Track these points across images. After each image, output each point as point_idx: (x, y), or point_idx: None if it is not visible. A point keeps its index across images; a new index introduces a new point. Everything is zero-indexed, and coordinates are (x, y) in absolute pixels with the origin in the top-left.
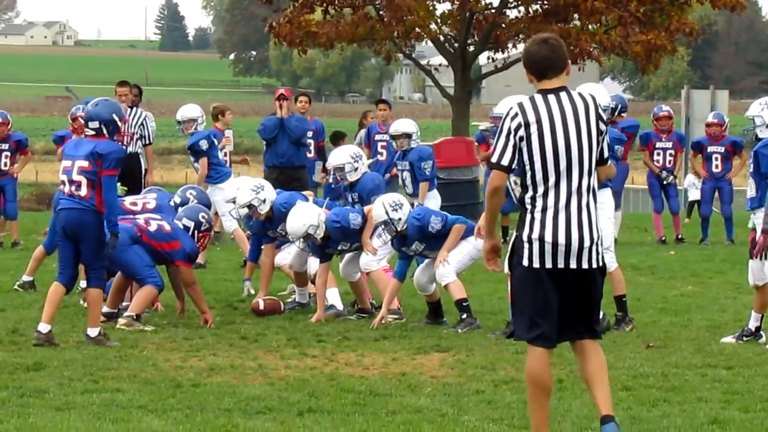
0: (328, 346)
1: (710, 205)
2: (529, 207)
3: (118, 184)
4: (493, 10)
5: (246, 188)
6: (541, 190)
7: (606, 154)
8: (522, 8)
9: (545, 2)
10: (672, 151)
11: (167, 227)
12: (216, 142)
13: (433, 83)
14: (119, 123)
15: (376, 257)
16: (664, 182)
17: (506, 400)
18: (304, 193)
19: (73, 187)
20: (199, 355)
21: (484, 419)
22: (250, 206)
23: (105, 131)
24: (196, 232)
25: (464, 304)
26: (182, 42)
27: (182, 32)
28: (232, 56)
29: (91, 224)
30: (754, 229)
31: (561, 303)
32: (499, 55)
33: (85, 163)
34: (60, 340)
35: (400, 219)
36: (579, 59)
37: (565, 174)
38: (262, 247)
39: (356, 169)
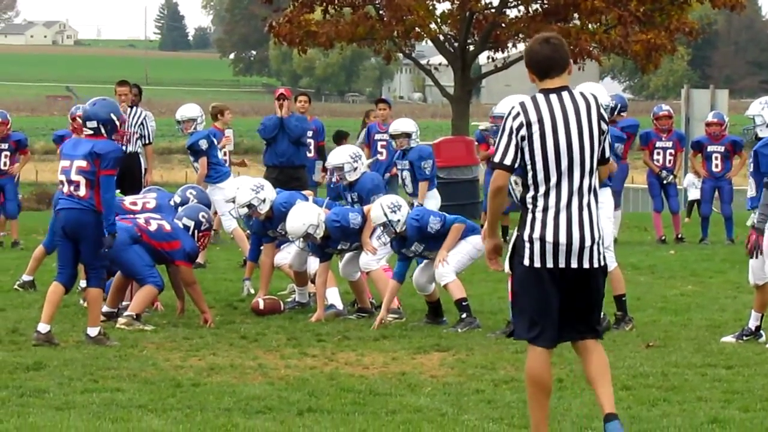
0: (327, 345)
1: (710, 204)
2: (530, 206)
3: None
4: (492, 10)
5: (246, 188)
6: (542, 189)
7: (607, 153)
8: (522, 8)
9: (545, 2)
10: (672, 151)
11: (167, 227)
12: (215, 142)
13: (433, 83)
14: (117, 122)
15: (376, 257)
16: (664, 182)
17: (506, 399)
18: (303, 192)
19: (71, 187)
20: (198, 355)
21: (484, 418)
22: (249, 206)
23: (103, 131)
24: (196, 231)
25: (464, 303)
26: (182, 41)
27: (182, 32)
28: (231, 56)
29: (91, 224)
30: (753, 227)
31: (562, 303)
32: (499, 55)
33: (83, 163)
34: (60, 340)
35: (398, 220)
36: (579, 59)
37: (567, 174)
38: (262, 246)
39: (355, 169)
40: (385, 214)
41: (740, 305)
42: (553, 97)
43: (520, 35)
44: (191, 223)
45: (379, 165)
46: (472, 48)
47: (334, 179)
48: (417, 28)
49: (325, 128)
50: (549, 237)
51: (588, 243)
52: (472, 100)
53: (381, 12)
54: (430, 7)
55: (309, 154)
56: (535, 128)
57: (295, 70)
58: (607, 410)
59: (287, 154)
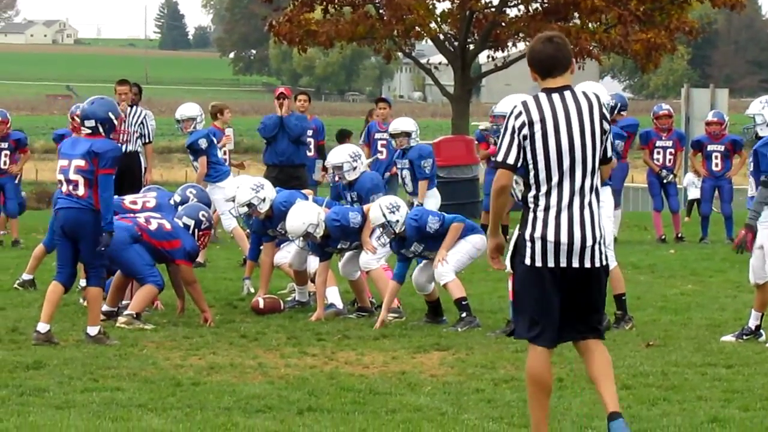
0: (327, 344)
1: (710, 203)
2: (531, 206)
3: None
4: (493, 9)
5: (246, 187)
6: (544, 189)
7: (609, 153)
8: (522, 7)
9: (545, 1)
10: (672, 150)
11: (168, 226)
12: (215, 141)
13: (433, 82)
14: (115, 121)
15: (376, 256)
16: (664, 181)
17: (506, 398)
18: (303, 191)
19: (70, 187)
20: (198, 354)
21: (484, 418)
22: (249, 205)
23: (101, 130)
24: (196, 230)
25: (463, 302)
26: (182, 40)
27: (182, 31)
28: (231, 55)
29: (90, 223)
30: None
31: (564, 303)
32: (499, 54)
33: (81, 162)
34: (60, 339)
35: (397, 221)
36: (579, 58)
37: (569, 173)
38: (262, 245)
39: (355, 168)
40: (384, 215)
41: (740, 304)
42: (556, 96)
43: (520, 34)
44: (191, 222)
45: (379, 164)
46: (472, 47)
47: (334, 178)
48: (417, 27)
49: (326, 127)
50: (550, 236)
51: (589, 242)
52: (472, 99)
53: (381, 11)
54: (430, 6)
55: (309, 153)
56: (537, 127)
57: (295, 69)
58: (611, 409)
59: (287, 153)
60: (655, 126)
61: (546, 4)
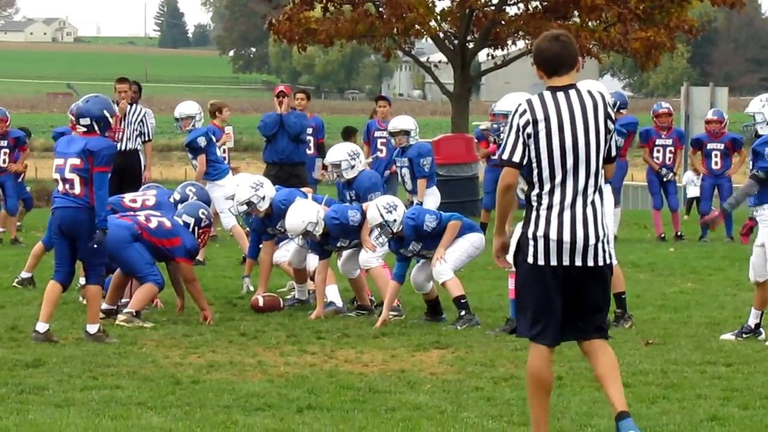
0: (327, 343)
1: (710, 202)
2: (534, 204)
3: None
4: (492, 7)
5: (245, 185)
6: (547, 187)
7: (614, 152)
8: (521, 5)
9: None
10: (672, 148)
11: (168, 224)
12: (214, 139)
13: (433, 80)
14: (110, 119)
15: (375, 254)
16: (664, 179)
17: (505, 397)
18: (303, 189)
19: (67, 186)
20: (198, 352)
21: (484, 416)
22: (249, 203)
23: (96, 128)
24: (196, 228)
25: (462, 301)
26: (182, 39)
27: (182, 29)
28: (231, 53)
29: (86, 222)
30: (751, 218)
31: (567, 301)
32: (499, 52)
33: (77, 161)
34: (59, 337)
35: (395, 220)
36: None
37: (572, 172)
38: (261, 244)
39: (353, 167)
40: (381, 215)
41: (740, 303)
42: (560, 95)
43: (520, 33)
44: (191, 220)
45: (378, 162)
46: (471, 45)
47: (333, 177)
48: (417, 26)
49: (326, 125)
50: (553, 235)
51: (592, 241)
52: (472, 97)
53: (381, 9)
54: (430, 5)
55: (309, 152)
56: (542, 126)
57: (295, 68)
58: (620, 408)
59: (287, 151)
60: (654, 124)
61: (546, 3)
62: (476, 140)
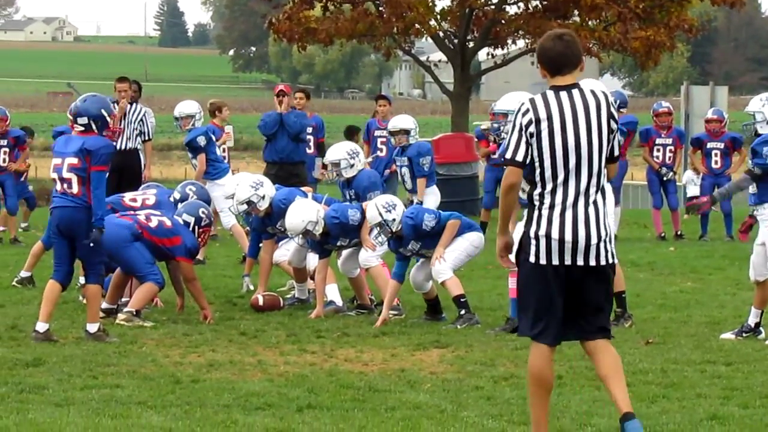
0: (327, 342)
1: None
2: (536, 203)
3: None
4: (492, 6)
5: (245, 184)
6: (549, 187)
7: (616, 152)
8: (521, 4)
9: None
10: (672, 148)
11: (168, 223)
12: (213, 139)
13: (433, 79)
14: (108, 118)
15: (375, 253)
16: (664, 178)
17: (505, 396)
18: (303, 189)
19: (65, 185)
20: (198, 351)
21: (484, 415)
22: (249, 202)
23: (94, 127)
24: (196, 227)
25: (462, 300)
26: (182, 38)
27: (182, 28)
28: (231, 52)
29: (85, 221)
30: (751, 216)
31: (569, 301)
32: (499, 52)
33: (74, 160)
34: (59, 336)
35: (394, 219)
36: None
37: (574, 171)
38: (261, 243)
39: (352, 166)
40: (380, 214)
41: (740, 302)
42: (563, 94)
43: (520, 32)
44: (191, 220)
45: (378, 162)
46: (471, 45)
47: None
48: (417, 25)
49: (325, 125)
50: (555, 234)
51: (594, 240)
52: (472, 96)
53: (381, 8)
54: (430, 4)
55: (309, 151)
56: (544, 125)
57: (295, 67)
58: (625, 410)
59: (287, 150)
60: (654, 123)
61: (545, 2)
62: (476, 139)
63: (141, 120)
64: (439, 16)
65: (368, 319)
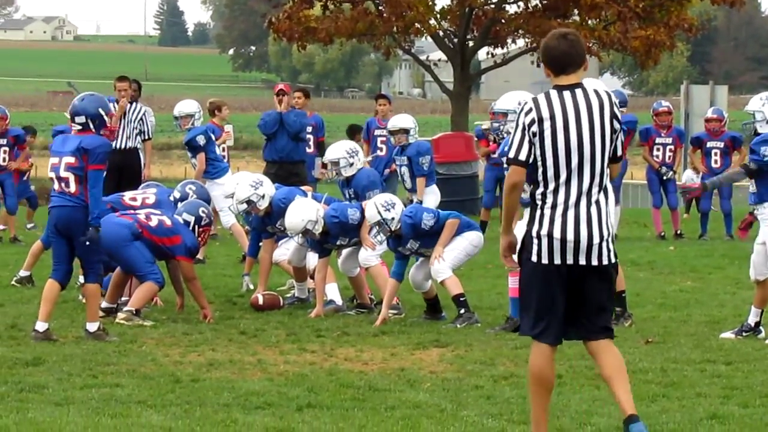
0: (327, 341)
1: (709, 200)
2: (539, 203)
3: None
4: (492, 6)
5: (245, 184)
6: (552, 186)
7: (619, 152)
8: (521, 3)
9: None
10: (672, 147)
11: (168, 222)
12: (213, 138)
13: (433, 79)
14: (106, 117)
15: (375, 252)
16: (664, 178)
17: (505, 395)
18: (303, 188)
19: (62, 184)
20: (198, 350)
21: (483, 414)
22: (248, 202)
23: (91, 126)
24: (196, 227)
25: (461, 299)
26: (181, 37)
27: (181, 27)
28: (231, 51)
29: (82, 220)
30: (751, 213)
31: (571, 301)
32: (499, 51)
33: (71, 159)
34: (59, 336)
35: (393, 218)
36: None
37: (577, 171)
38: (261, 242)
39: (352, 164)
40: (379, 213)
41: (739, 301)
42: (567, 93)
43: (520, 31)
44: (191, 219)
45: (378, 161)
46: (471, 44)
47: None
48: (416, 24)
49: (325, 124)
50: (557, 234)
51: (596, 240)
52: (472, 95)
53: (380, 8)
54: (430, 3)
55: (308, 150)
56: (547, 125)
57: (295, 66)
58: (629, 412)
59: (286, 149)
60: (654, 123)
61: (545, 1)
62: (476, 139)
63: (141, 119)
64: (438, 16)
65: (368, 319)
